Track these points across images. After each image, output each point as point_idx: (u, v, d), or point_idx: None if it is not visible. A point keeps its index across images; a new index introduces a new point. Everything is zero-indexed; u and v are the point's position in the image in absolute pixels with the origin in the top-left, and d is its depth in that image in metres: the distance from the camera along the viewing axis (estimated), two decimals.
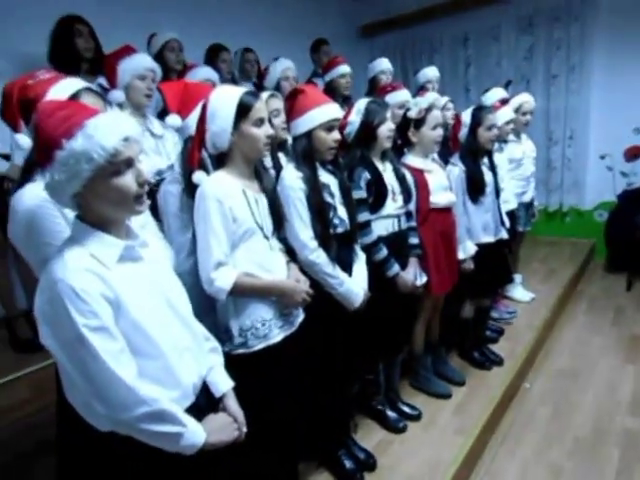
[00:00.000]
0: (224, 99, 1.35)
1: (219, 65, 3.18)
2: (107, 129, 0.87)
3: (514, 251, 3.24)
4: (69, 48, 2.47)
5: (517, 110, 2.97)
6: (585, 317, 3.36)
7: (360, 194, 1.84)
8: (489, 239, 2.39)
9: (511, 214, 2.84)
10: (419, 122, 2.10)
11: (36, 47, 2.53)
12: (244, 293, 1.36)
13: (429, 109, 2.11)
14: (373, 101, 1.93)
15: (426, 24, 5.04)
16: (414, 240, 2.04)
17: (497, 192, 2.46)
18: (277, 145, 1.85)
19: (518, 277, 3.38)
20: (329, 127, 1.60)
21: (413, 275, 1.97)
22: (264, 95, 1.94)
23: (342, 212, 1.69)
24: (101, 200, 0.92)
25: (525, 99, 3.03)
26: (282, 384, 1.44)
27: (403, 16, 5.09)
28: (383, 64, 3.31)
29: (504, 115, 2.74)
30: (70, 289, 0.85)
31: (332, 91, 3.07)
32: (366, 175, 1.86)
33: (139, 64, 2.03)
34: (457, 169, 2.30)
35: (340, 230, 1.68)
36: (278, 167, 1.81)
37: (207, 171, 1.45)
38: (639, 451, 2.05)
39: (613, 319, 3.27)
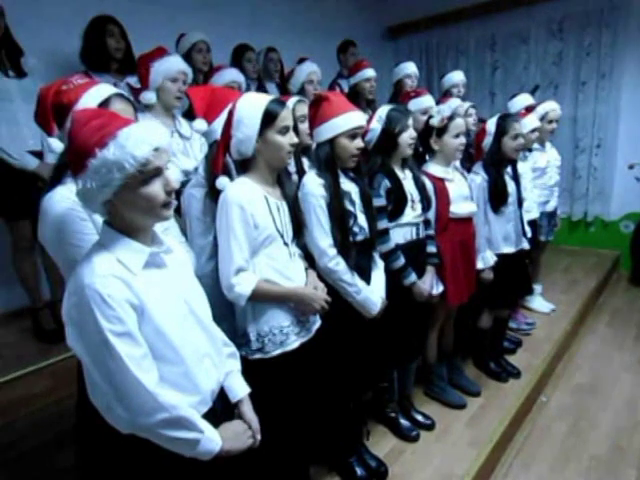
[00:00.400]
0: (251, 106, 1.36)
1: (244, 65, 3.22)
2: (139, 139, 0.89)
3: (535, 261, 3.19)
4: (100, 47, 2.53)
5: (543, 118, 2.91)
6: (607, 331, 3.28)
7: (379, 202, 1.83)
8: (510, 249, 2.36)
9: (533, 223, 2.80)
10: (441, 130, 2.08)
11: (68, 46, 2.60)
12: (263, 299, 1.38)
13: (451, 117, 2.10)
14: (395, 108, 1.92)
15: (452, 26, 4.99)
16: (432, 249, 2.02)
17: (520, 202, 2.42)
18: (301, 150, 1.86)
19: (538, 287, 3.33)
20: (352, 135, 1.60)
21: (429, 284, 1.97)
22: (292, 100, 1.96)
23: (362, 220, 1.69)
24: (130, 207, 0.94)
25: (551, 107, 2.97)
26: (297, 389, 1.46)
27: (429, 18, 5.05)
28: (408, 68, 3.29)
29: (529, 123, 2.70)
30: (97, 294, 0.88)
31: (356, 95, 3.07)
32: (386, 183, 1.86)
33: (172, 66, 2.06)
34: (479, 178, 2.27)
35: (360, 238, 1.68)
36: (301, 172, 1.82)
37: (231, 176, 1.47)
38: None
39: (636, 334, 3.19)
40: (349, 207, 1.65)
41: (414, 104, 2.42)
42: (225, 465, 1.09)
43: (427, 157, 2.20)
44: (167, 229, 1.34)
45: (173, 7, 3.27)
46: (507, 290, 2.39)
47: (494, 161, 2.27)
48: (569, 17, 4.28)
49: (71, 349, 0.95)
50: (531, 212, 2.81)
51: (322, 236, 1.58)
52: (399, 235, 1.90)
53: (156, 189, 0.94)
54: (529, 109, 2.99)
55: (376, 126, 1.88)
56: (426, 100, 2.45)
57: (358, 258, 1.67)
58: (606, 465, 2.07)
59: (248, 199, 1.34)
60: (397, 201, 1.87)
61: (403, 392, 2.18)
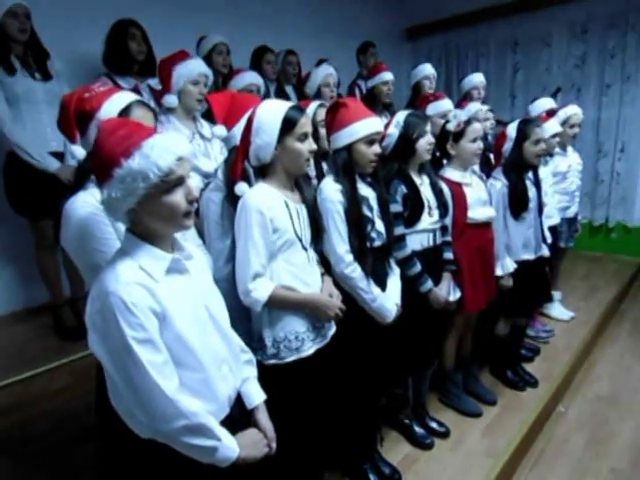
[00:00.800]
0: (270, 113, 1.37)
1: (264, 67, 3.25)
2: (162, 149, 0.91)
3: (555, 267, 3.13)
4: (122, 50, 2.57)
5: (564, 122, 2.86)
6: (628, 340, 3.20)
7: (396, 208, 1.82)
8: (529, 256, 2.32)
9: (553, 229, 2.75)
10: (458, 135, 2.06)
11: (91, 49, 2.65)
12: (279, 305, 1.38)
13: (468, 122, 2.07)
14: (413, 113, 1.90)
15: (472, 27, 4.94)
16: (449, 255, 2.00)
17: (540, 208, 2.38)
18: (321, 155, 1.86)
19: (557, 294, 3.27)
20: (370, 140, 1.59)
21: (446, 291, 1.94)
22: (313, 105, 1.97)
23: (380, 226, 1.68)
24: (152, 216, 0.96)
25: (573, 111, 2.91)
26: (312, 395, 1.46)
27: (448, 19, 5.00)
28: (427, 70, 3.27)
29: (550, 128, 2.65)
30: (121, 302, 0.89)
31: (373, 97, 3.07)
32: (402, 189, 1.85)
33: (193, 69, 2.09)
34: (499, 183, 2.24)
35: (377, 244, 1.67)
36: (321, 176, 1.82)
37: (249, 182, 1.48)
38: None
39: None
40: (367, 213, 1.64)
41: (432, 108, 2.41)
42: (241, 470, 1.10)
43: (444, 162, 2.18)
44: (184, 232, 1.35)
45: (193, 9, 3.31)
46: (525, 298, 2.35)
47: (515, 166, 2.24)
48: (593, 19, 4.21)
49: (93, 352, 0.97)
50: (552, 218, 2.76)
51: (339, 242, 1.58)
52: (415, 241, 1.88)
53: (178, 198, 0.95)
54: (550, 113, 2.95)
55: (393, 131, 1.86)
56: (445, 104, 2.43)
57: (374, 264, 1.66)
58: (626, 479, 2.02)
59: (267, 204, 1.35)
60: (414, 207, 1.86)
61: (418, 399, 2.16)
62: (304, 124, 1.38)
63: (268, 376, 1.31)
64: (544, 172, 2.74)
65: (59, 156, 2.36)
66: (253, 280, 1.33)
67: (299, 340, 1.41)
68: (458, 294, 2.03)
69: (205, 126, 2.17)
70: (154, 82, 2.64)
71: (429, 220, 1.89)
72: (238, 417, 1.14)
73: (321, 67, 2.90)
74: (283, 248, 1.38)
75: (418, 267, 1.86)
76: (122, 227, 1.07)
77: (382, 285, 1.70)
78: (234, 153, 1.50)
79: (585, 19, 4.23)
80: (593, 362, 2.95)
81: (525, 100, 4.38)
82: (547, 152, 2.64)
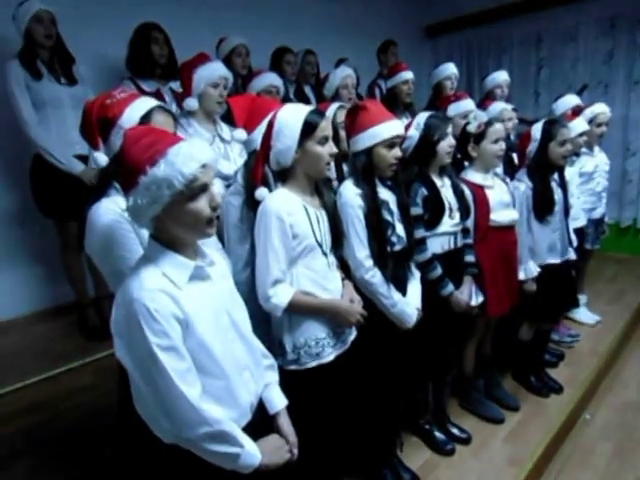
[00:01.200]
0: (290, 117, 1.36)
1: (284, 67, 3.25)
2: (187, 156, 0.91)
3: (580, 270, 3.05)
4: (145, 54, 2.60)
5: (591, 121, 2.78)
6: None
7: (416, 211, 1.80)
8: (555, 260, 2.26)
9: (579, 231, 2.68)
10: (479, 136, 2.02)
11: (115, 53, 2.69)
12: (299, 311, 1.38)
13: (489, 122, 2.03)
14: (434, 115, 1.88)
15: (495, 24, 4.83)
16: (470, 258, 1.97)
17: (566, 210, 2.32)
18: (342, 156, 1.85)
19: (583, 297, 3.18)
20: (390, 144, 1.58)
21: (467, 295, 1.91)
22: (333, 107, 1.95)
23: (400, 230, 1.66)
24: (176, 223, 0.96)
25: (601, 109, 2.83)
26: (332, 401, 1.45)
27: (470, 15, 4.91)
28: (448, 69, 3.22)
29: (577, 127, 2.59)
30: (145, 309, 0.90)
31: (394, 97, 3.03)
32: (423, 191, 1.82)
33: (213, 72, 2.09)
34: (523, 186, 2.19)
35: (398, 248, 1.65)
36: (342, 179, 1.81)
37: (269, 186, 1.48)
38: None
39: None
40: (387, 217, 1.62)
41: (454, 108, 2.37)
42: (263, 476, 1.10)
43: (465, 164, 2.14)
44: None
45: (214, 11, 3.32)
46: (551, 303, 2.30)
47: (539, 168, 2.18)
48: (621, 15, 4.07)
49: (118, 357, 0.98)
50: (578, 220, 2.69)
51: (359, 247, 1.56)
52: (436, 244, 1.85)
53: (202, 205, 0.95)
54: (576, 111, 2.87)
55: (414, 134, 1.84)
56: (466, 104, 2.39)
57: (395, 269, 1.65)
58: None
59: (287, 210, 1.34)
60: (434, 210, 1.83)
61: (438, 404, 2.14)
62: (324, 127, 1.37)
63: (288, 381, 1.31)
64: (570, 172, 2.66)
65: (84, 159, 2.40)
66: (273, 286, 1.33)
67: (319, 346, 1.41)
68: (481, 298, 2.00)
69: (225, 129, 2.17)
70: (176, 85, 2.67)
71: (450, 222, 1.86)
72: (260, 423, 1.14)
73: (339, 68, 2.88)
74: (303, 254, 1.38)
75: (439, 270, 1.83)
76: (145, 233, 1.08)
77: (402, 290, 1.69)
78: (254, 157, 1.51)
79: (613, 15, 4.11)
80: (620, 368, 2.86)
81: (549, 98, 4.26)
82: (573, 153, 2.57)
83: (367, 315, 1.52)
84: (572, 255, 2.35)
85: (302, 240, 1.36)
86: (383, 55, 3.78)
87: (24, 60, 2.31)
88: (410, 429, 2.12)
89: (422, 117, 1.88)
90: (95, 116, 1.22)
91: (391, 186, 1.70)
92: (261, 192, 1.41)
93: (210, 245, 1.35)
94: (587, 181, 2.88)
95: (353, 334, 1.54)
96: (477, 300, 1.98)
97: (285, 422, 1.18)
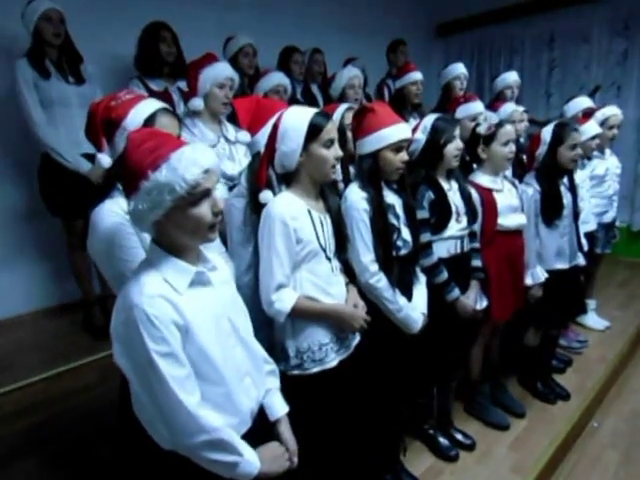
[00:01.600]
0: (296, 119, 1.35)
1: (291, 67, 3.24)
2: (190, 162, 0.90)
3: (590, 274, 3.01)
4: (153, 53, 2.60)
5: (603, 124, 2.73)
6: None
7: (422, 214, 1.78)
8: (563, 266, 2.23)
9: (589, 235, 2.64)
10: (489, 138, 1.99)
11: (123, 52, 2.70)
12: (303, 316, 1.37)
13: (500, 124, 2.00)
14: (441, 118, 1.85)
15: (506, 23, 4.79)
16: (477, 263, 1.94)
17: (576, 214, 2.28)
18: (349, 158, 1.83)
19: (592, 302, 3.14)
20: (397, 148, 1.55)
21: (473, 300, 1.89)
22: (341, 108, 1.94)
23: (406, 234, 1.64)
24: (178, 228, 0.95)
25: (612, 112, 2.78)
26: (335, 406, 1.43)
27: (481, 15, 4.86)
28: (457, 69, 3.18)
29: (589, 130, 2.55)
30: (144, 315, 0.89)
31: (402, 98, 3.01)
32: (430, 195, 1.80)
33: (220, 73, 2.08)
34: (531, 189, 2.15)
35: (403, 252, 1.63)
36: (348, 181, 1.80)
37: (273, 189, 1.46)
38: None
39: None
40: (393, 221, 1.60)
41: (463, 110, 2.34)
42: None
43: (474, 166, 2.11)
44: None
45: (223, 10, 3.32)
46: (557, 309, 2.26)
47: (548, 172, 2.15)
48: (635, 15, 4.01)
49: (117, 363, 0.98)
50: (588, 224, 2.65)
51: (364, 251, 1.55)
52: (442, 249, 1.83)
53: (204, 210, 0.95)
54: (587, 113, 2.83)
55: (421, 137, 1.82)
56: (475, 106, 2.36)
57: (400, 273, 1.63)
58: None
59: (291, 214, 1.33)
60: (441, 214, 1.81)
61: (443, 409, 2.11)
62: (330, 130, 1.36)
63: (291, 387, 1.30)
64: (581, 176, 2.63)
65: (91, 158, 2.40)
66: (276, 291, 1.32)
67: (323, 351, 1.39)
68: (485, 303, 1.97)
69: (230, 129, 2.17)
70: (184, 84, 2.66)
71: (457, 227, 1.84)
72: (260, 429, 1.13)
73: (346, 68, 2.87)
74: (307, 259, 1.36)
75: (445, 275, 1.81)
76: (148, 236, 1.07)
77: (408, 294, 1.67)
78: (258, 160, 1.49)
79: (627, 15, 4.04)
80: (629, 375, 2.81)
81: (561, 99, 4.21)
82: (584, 156, 2.53)
83: (372, 320, 1.50)
84: (581, 260, 2.31)
85: (306, 245, 1.34)
86: (392, 55, 3.76)
87: (32, 59, 2.32)
88: (414, 434, 2.10)
89: (429, 120, 1.85)
90: (100, 117, 1.21)
91: (397, 190, 1.68)
92: (265, 195, 1.40)
93: (213, 248, 1.34)
94: (598, 184, 2.83)
95: (357, 339, 1.52)
96: (482, 305, 1.96)
97: (286, 429, 1.17)
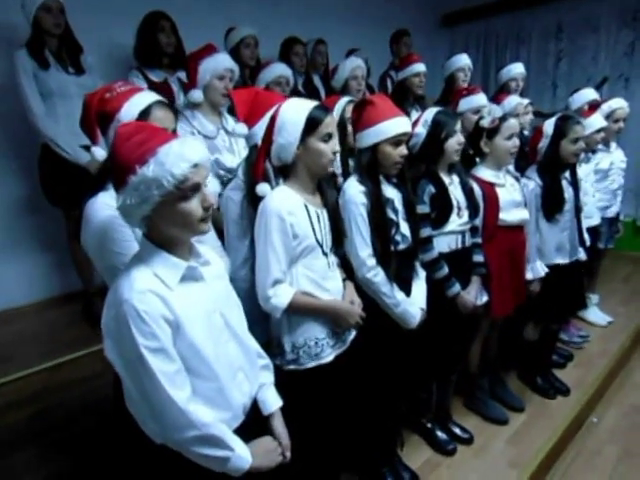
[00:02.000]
0: (294, 112, 1.33)
1: (292, 58, 3.20)
2: (178, 156, 0.89)
3: (593, 269, 2.99)
4: (152, 43, 2.56)
5: (608, 117, 2.69)
6: None
7: (423, 209, 1.76)
8: (563, 261, 2.21)
9: (592, 230, 2.62)
10: (492, 131, 1.96)
11: (123, 42, 2.68)
12: (299, 311, 1.36)
13: (504, 117, 1.97)
14: (442, 111, 1.82)
15: (513, 14, 4.72)
16: (479, 258, 1.93)
17: (577, 209, 2.26)
18: (349, 151, 1.81)
19: (595, 297, 3.12)
20: (396, 142, 1.53)
21: (474, 295, 1.88)
22: (342, 101, 1.91)
23: (405, 228, 1.63)
24: (167, 223, 0.95)
25: (618, 104, 2.74)
26: (331, 401, 1.43)
27: (487, 5, 4.79)
28: (461, 61, 3.13)
29: (594, 123, 2.51)
30: (134, 310, 0.89)
31: (405, 90, 2.97)
32: (430, 189, 1.78)
33: (219, 64, 2.06)
34: (532, 183, 2.13)
35: (402, 247, 1.62)
36: (348, 174, 1.78)
37: (270, 181, 1.45)
38: None
39: None
40: (391, 215, 1.59)
41: (466, 103, 2.31)
42: (256, 478, 1.09)
43: (477, 161, 2.09)
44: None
45: (223, 0, 3.28)
46: (557, 304, 2.25)
47: (550, 166, 2.12)
48: None
49: (107, 358, 0.98)
50: (591, 218, 2.63)
51: (362, 246, 1.54)
52: (443, 243, 1.82)
53: (194, 205, 0.94)
54: (593, 105, 2.78)
55: (421, 131, 1.79)
56: (478, 99, 2.32)
57: (399, 268, 1.62)
58: None
59: (288, 209, 1.32)
60: (442, 208, 1.79)
61: (441, 403, 2.11)
62: (328, 124, 1.34)
63: (287, 381, 1.30)
64: (585, 169, 2.61)
65: (88, 149, 2.39)
66: (273, 286, 1.31)
67: (319, 346, 1.39)
68: (485, 298, 1.96)
69: (230, 121, 2.15)
70: (184, 75, 2.64)
71: (458, 221, 1.83)
72: (253, 423, 1.13)
73: (349, 59, 2.83)
74: (303, 254, 1.35)
75: (445, 270, 1.80)
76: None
77: (407, 289, 1.66)
78: (255, 152, 1.48)
79: (636, 5, 3.97)
80: (630, 370, 2.80)
81: (568, 90, 4.14)
82: (588, 148, 2.50)
83: (370, 315, 1.50)
84: (582, 255, 2.29)
85: (302, 240, 1.33)
86: (395, 46, 3.71)
87: (32, 49, 2.30)
88: (412, 427, 2.11)
89: (430, 113, 1.83)
90: (94, 110, 1.20)
91: (397, 184, 1.66)
92: (262, 187, 1.38)
93: (208, 242, 1.34)
94: (602, 178, 2.81)
95: (353, 334, 1.52)
96: (482, 300, 1.95)
97: (279, 424, 1.17)
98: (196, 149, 0.93)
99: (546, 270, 2.14)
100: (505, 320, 2.22)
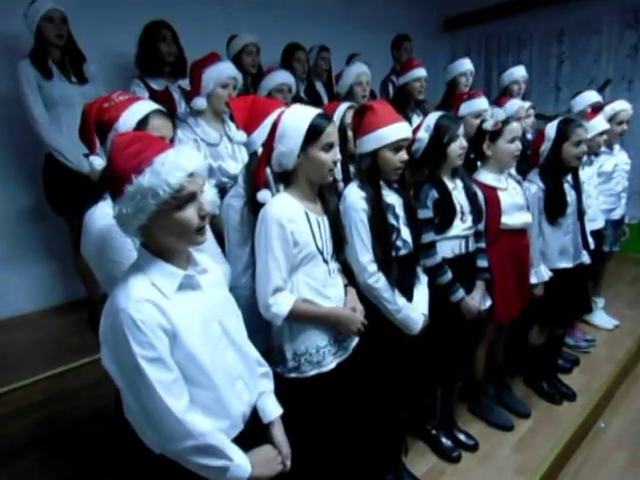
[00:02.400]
0: (296, 120, 1.32)
1: (294, 64, 3.21)
2: (173, 166, 0.90)
3: (598, 272, 2.96)
4: (153, 52, 2.59)
5: (611, 119, 2.68)
6: None
7: (426, 214, 1.76)
8: (567, 264, 2.19)
9: (596, 233, 2.59)
10: (495, 134, 1.96)
11: (125, 52, 2.70)
12: (300, 319, 1.36)
13: (506, 120, 1.97)
14: (444, 116, 1.82)
15: (515, 17, 4.72)
16: (483, 263, 1.92)
17: (580, 212, 2.24)
18: (349, 157, 1.81)
19: (600, 301, 3.09)
20: (396, 147, 1.53)
21: (478, 300, 1.86)
22: (342, 107, 1.92)
23: (406, 234, 1.62)
24: (164, 232, 0.95)
25: (622, 107, 2.72)
26: (333, 409, 1.42)
27: (489, 8, 4.80)
28: (463, 65, 3.13)
29: (597, 126, 2.50)
30: (131, 319, 0.89)
31: (406, 95, 2.97)
32: (433, 194, 1.78)
33: (223, 72, 2.08)
34: (535, 187, 2.12)
35: (403, 252, 1.61)
36: (348, 180, 1.78)
37: (270, 188, 1.45)
38: None
39: None
40: (392, 221, 1.59)
41: (467, 107, 2.30)
42: None
43: (478, 164, 2.08)
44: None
45: (225, 7, 3.31)
46: (561, 308, 2.22)
47: (552, 169, 2.11)
48: None
49: (105, 367, 0.97)
50: (595, 221, 2.60)
51: (362, 251, 1.53)
52: (447, 248, 1.81)
53: (190, 214, 0.94)
54: (596, 108, 2.77)
55: (424, 135, 1.79)
56: (479, 103, 2.31)
57: (401, 273, 1.62)
58: None
59: (288, 216, 1.31)
60: (445, 213, 1.79)
61: (446, 409, 2.10)
62: (330, 134, 1.33)
63: (288, 389, 1.30)
64: (588, 172, 2.59)
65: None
66: (273, 294, 1.31)
67: (320, 354, 1.38)
68: (489, 302, 1.95)
69: (233, 129, 2.15)
70: (185, 83, 2.66)
71: (461, 226, 1.82)
72: (253, 432, 1.12)
73: (354, 65, 2.83)
74: (304, 262, 1.35)
75: (449, 275, 1.79)
76: None
77: (408, 295, 1.65)
78: (255, 159, 1.48)
79: (638, 6, 3.95)
80: (637, 375, 2.77)
81: (571, 93, 4.11)
82: (591, 151, 2.48)
83: (372, 321, 1.49)
84: (586, 259, 2.27)
85: (302, 248, 1.33)
86: (396, 51, 3.71)
87: (35, 59, 2.32)
88: (416, 434, 2.09)
89: (432, 118, 1.82)
90: (93, 119, 1.21)
91: (398, 189, 1.66)
92: (263, 194, 1.39)
93: (208, 249, 1.34)
94: (606, 181, 2.78)
95: (355, 340, 1.51)
96: (485, 304, 1.93)
97: (279, 432, 1.16)
98: (192, 158, 0.93)
99: (550, 274, 2.13)
100: (510, 325, 2.21)
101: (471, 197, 1.87)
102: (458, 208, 1.81)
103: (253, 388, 1.13)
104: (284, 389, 1.27)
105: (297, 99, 2.85)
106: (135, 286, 0.93)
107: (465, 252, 1.85)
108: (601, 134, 2.54)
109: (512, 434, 2.13)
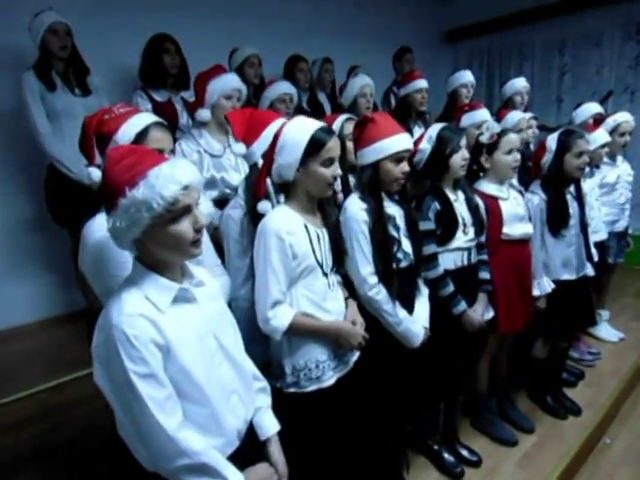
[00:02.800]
0: (297, 132, 1.31)
1: (297, 75, 3.23)
2: (167, 179, 0.89)
3: (602, 285, 2.93)
4: (157, 64, 2.61)
5: (613, 131, 2.67)
6: None
7: (428, 225, 1.74)
8: (570, 276, 2.17)
9: (600, 245, 2.57)
10: (492, 147, 1.95)
11: (129, 64, 2.72)
12: (300, 333, 1.34)
13: (503, 132, 1.96)
14: (446, 127, 1.82)
15: (516, 29, 4.75)
16: (485, 275, 1.90)
17: (583, 224, 2.22)
18: (348, 168, 1.80)
19: (605, 313, 3.06)
20: (398, 159, 1.53)
21: (481, 313, 1.84)
22: (340, 119, 1.92)
23: (407, 246, 1.61)
24: (158, 245, 0.94)
25: (624, 118, 2.72)
26: (333, 425, 1.40)
27: (491, 20, 4.83)
28: (464, 77, 3.15)
29: (598, 138, 2.49)
30: (123, 335, 0.88)
31: (407, 106, 2.98)
32: (435, 205, 1.76)
33: (227, 84, 2.08)
34: (537, 198, 2.11)
35: (404, 264, 1.60)
36: (347, 191, 1.77)
37: (270, 199, 1.45)
38: None
39: None
40: (393, 232, 1.57)
41: (468, 118, 2.30)
42: None
43: (480, 175, 2.07)
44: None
45: (228, 20, 3.34)
46: (566, 321, 2.20)
47: (554, 180, 2.10)
48: None
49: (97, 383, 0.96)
50: (598, 233, 2.58)
51: (363, 263, 1.52)
52: (449, 260, 1.79)
53: (185, 227, 0.93)
54: (598, 119, 2.77)
55: (426, 147, 1.78)
56: (480, 114, 2.31)
57: (401, 285, 1.60)
58: None
59: (287, 229, 1.30)
60: (447, 225, 1.77)
61: (448, 424, 2.06)
62: (331, 149, 1.31)
63: (287, 405, 1.28)
64: (589, 184, 2.57)
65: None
66: (272, 308, 1.29)
67: (320, 369, 1.36)
68: (491, 313, 1.92)
69: (233, 141, 2.16)
70: (187, 95, 2.69)
71: (464, 238, 1.80)
72: (249, 448, 1.10)
73: (358, 77, 2.84)
74: (303, 274, 1.33)
75: (451, 287, 1.77)
76: None
77: (409, 307, 1.63)
78: (255, 171, 1.48)
79: (639, 18, 3.97)
80: None
81: (573, 105, 4.12)
82: (593, 163, 2.47)
83: (372, 334, 1.47)
84: (590, 271, 2.24)
85: (302, 261, 1.31)
86: (398, 63, 3.74)
87: (39, 71, 2.35)
88: (418, 449, 2.05)
89: (434, 129, 1.82)
90: (93, 131, 1.21)
91: (398, 201, 1.65)
92: (263, 205, 1.38)
93: (207, 261, 1.33)
94: (609, 192, 2.77)
95: (355, 354, 1.49)
96: (487, 316, 1.91)
97: (275, 450, 1.13)
98: (186, 171, 0.92)
99: (553, 286, 2.11)
100: (513, 338, 2.18)
101: (473, 209, 1.85)
102: (460, 220, 1.80)
103: (249, 403, 1.11)
104: (283, 404, 1.25)
105: (299, 110, 2.87)
106: (128, 301, 0.91)
107: (467, 264, 1.83)
108: (603, 146, 2.54)
109: (516, 450, 2.09)
